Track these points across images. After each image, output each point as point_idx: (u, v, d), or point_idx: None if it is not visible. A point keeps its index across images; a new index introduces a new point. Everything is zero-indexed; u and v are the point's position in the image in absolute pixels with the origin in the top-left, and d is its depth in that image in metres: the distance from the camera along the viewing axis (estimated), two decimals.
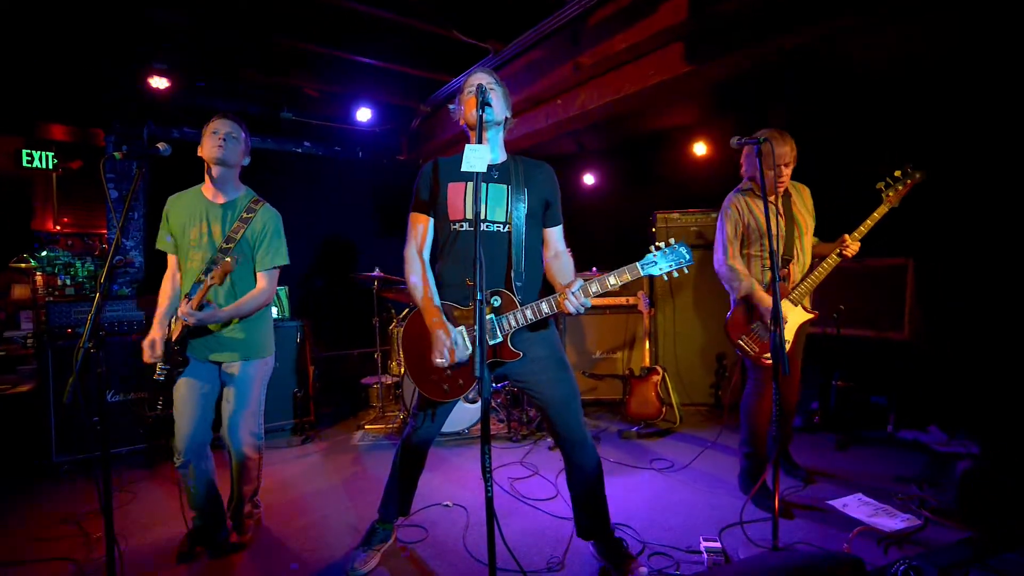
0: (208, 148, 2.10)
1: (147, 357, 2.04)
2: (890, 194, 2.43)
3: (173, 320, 2.10)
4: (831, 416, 3.48)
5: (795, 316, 2.48)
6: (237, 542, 2.24)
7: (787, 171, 2.47)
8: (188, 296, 2.03)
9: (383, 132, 5.13)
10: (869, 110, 3.57)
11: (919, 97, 3.34)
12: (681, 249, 1.71)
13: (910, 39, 2.79)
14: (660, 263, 1.71)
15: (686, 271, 1.72)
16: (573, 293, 1.71)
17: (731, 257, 2.52)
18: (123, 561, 1.99)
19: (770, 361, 2.38)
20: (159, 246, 2.19)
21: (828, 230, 2.69)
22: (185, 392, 2.09)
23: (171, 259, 2.21)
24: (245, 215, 2.14)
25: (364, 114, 4.60)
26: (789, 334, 2.45)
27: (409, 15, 3.20)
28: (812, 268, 2.50)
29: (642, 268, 1.72)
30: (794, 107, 3.80)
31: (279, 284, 3.92)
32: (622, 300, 4.28)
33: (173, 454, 2.09)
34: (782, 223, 2.50)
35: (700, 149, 4.49)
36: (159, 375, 2.05)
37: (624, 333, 4.29)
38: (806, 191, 2.65)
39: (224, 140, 2.09)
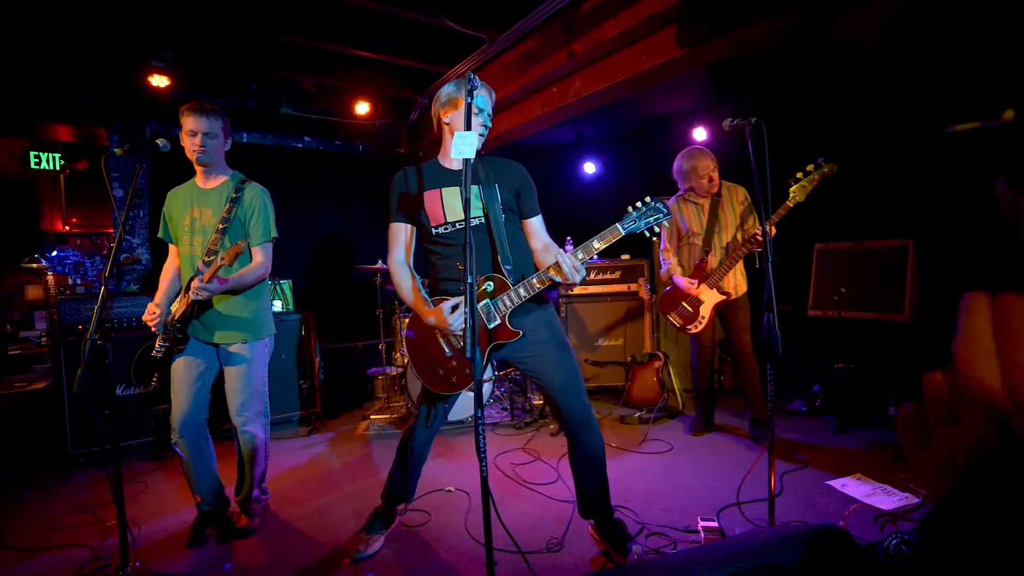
0: (188, 152, 2.17)
1: (147, 318, 2.12)
2: (794, 190, 2.57)
3: (177, 301, 2.19)
4: (832, 399, 3.49)
5: (710, 297, 3.01)
6: (245, 527, 2.30)
7: (716, 177, 3.03)
8: (198, 274, 2.07)
9: (382, 125, 5.15)
10: (866, 92, 3.53)
11: (916, 77, 3.30)
12: (658, 204, 1.73)
13: (906, 17, 2.76)
14: (639, 221, 1.73)
15: (667, 225, 1.76)
16: (569, 254, 1.72)
17: (663, 250, 3.21)
18: (135, 547, 2.07)
19: (691, 331, 3.08)
20: (159, 235, 2.33)
21: (818, 216, 2.70)
22: (182, 371, 2.16)
23: (172, 249, 2.33)
24: (234, 195, 2.20)
25: (362, 107, 4.62)
26: (706, 311, 3.03)
27: (404, 7, 3.21)
28: (731, 257, 2.98)
29: (623, 228, 1.74)
30: (791, 90, 3.76)
31: (283, 277, 4.03)
32: (623, 287, 4.30)
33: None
34: (705, 221, 3.07)
35: (699, 135, 4.46)
36: (157, 351, 2.14)
37: (626, 320, 4.31)
38: (740, 191, 3.10)
39: (202, 145, 2.14)
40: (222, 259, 1.98)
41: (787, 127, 2.48)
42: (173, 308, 2.18)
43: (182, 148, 2.20)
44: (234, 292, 2.18)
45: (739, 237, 3.03)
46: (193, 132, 2.13)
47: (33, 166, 4.75)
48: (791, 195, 2.60)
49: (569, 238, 3.83)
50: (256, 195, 2.24)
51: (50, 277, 4.68)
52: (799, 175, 2.59)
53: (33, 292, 4.87)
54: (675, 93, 4.13)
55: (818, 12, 2.37)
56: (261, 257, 2.22)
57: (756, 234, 2.77)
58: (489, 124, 1.94)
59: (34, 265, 4.54)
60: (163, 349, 2.14)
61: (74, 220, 5.30)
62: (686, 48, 2.70)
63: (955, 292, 3.40)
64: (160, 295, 2.24)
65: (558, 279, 1.75)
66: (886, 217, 2.79)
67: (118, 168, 4.14)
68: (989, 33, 2.81)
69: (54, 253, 4.97)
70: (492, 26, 3.42)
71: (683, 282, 3.03)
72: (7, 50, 3.46)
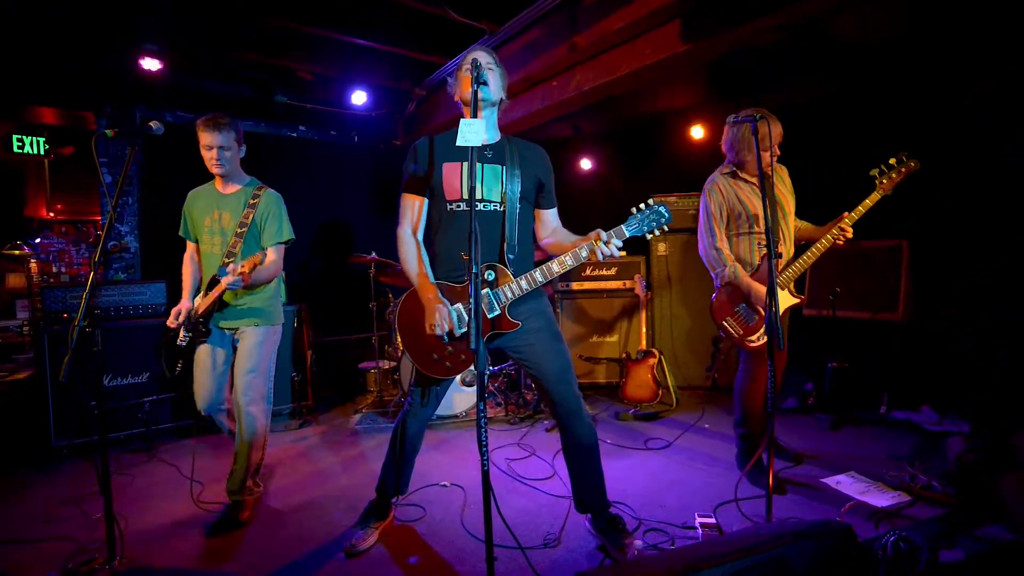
0: (207, 165, 2.33)
1: (171, 322, 2.31)
2: (883, 181, 2.42)
3: (199, 297, 2.36)
4: (826, 397, 3.51)
5: (783, 299, 2.41)
6: (237, 519, 2.26)
7: (777, 151, 2.50)
8: (222, 273, 2.26)
9: (379, 116, 5.07)
10: (865, 92, 3.55)
11: (916, 77, 3.32)
12: (660, 208, 1.77)
13: (906, 17, 2.77)
14: (643, 224, 1.78)
15: (667, 229, 1.80)
16: (603, 240, 1.71)
17: (719, 239, 2.52)
18: (123, 539, 2.02)
19: (752, 344, 2.42)
20: (180, 233, 2.49)
21: (820, 214, 2.69)
22: (204, 358, 2.34)
23: (189, 245, 2.50)
24: (251, 201, 2.37)
25: (359, 97, 4.53)
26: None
27: None
28: (799, 252, 2.49)
29: (627, 230, 1.78)
30: (791, 89, 3.77)
31: None
32: (619, 284, 4.29)
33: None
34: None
35: (698, 133, 4.46)
36: (182, 341, 2.31)
37: (621, 317, 4.31)
38: (785, 172, 2.65)
39: (218, 159, 2.29)
40: (242, 267, 2.12)
41: (786, 126, 2.46)
42: (196, 302, 2.36)
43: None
44: (252, 287, 2.34)
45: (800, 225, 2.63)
46: (209, 146, 2.27)
47: (16, 150, 4.62)
48: (878, 186, 2.40)
49: None
50: (272, 201, 2.40)
51: (33, 264, 4.56)
52: (883, 167, 2.40)
53: (14, 280, 4.75)
54: (676, 89, 4.12)
55: (820, 9, 2.37)
56: (274, 256, 2.36)
57: (844, 219, 2.40)
58: (486, 78, 1.76)
59: (17, 252, 4.42)
60: (188, 339, 2.30)
61: (59, 206, 5.18)
62: (691, 43, 2.68)
63: (949, 292, 3.44)
64: (186, 292, 2.42)
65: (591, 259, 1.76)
66: (880, 217, 2.79)
67: (106, 153, 4.03)
68: (987, 33, 2.84)
69: (38, 240, 4.85)
70: (493, 17, 3.38)
71: (761, 289, 2.35)
72: None
